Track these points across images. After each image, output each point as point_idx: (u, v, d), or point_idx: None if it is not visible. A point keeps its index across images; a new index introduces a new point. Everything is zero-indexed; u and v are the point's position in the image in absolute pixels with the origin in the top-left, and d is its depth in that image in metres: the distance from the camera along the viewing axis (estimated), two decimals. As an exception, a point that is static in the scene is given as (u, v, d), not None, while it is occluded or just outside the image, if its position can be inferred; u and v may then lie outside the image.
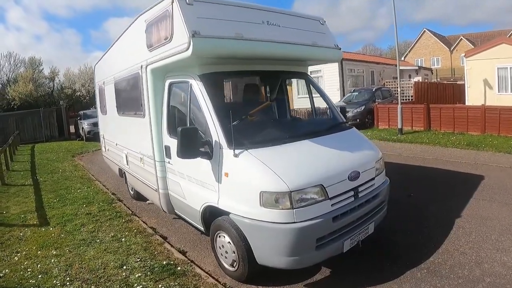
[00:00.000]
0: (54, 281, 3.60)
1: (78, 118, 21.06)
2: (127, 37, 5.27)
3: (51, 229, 5.21)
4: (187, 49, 3.21)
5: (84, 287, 3.43)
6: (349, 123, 14.53)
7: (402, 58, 43.04)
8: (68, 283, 3.53)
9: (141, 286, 3.34)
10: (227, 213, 3.34)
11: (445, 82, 23.76)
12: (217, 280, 3.54)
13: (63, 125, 21.07)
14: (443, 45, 43.15)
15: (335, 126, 4.30)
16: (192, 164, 3.68)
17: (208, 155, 3.45)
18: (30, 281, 3.64)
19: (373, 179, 3.75)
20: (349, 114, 14.48)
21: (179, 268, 3.70)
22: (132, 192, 6.80)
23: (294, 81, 21.24)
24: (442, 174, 7.21)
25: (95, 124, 19.00)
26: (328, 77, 19.58)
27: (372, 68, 21.62)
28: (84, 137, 18.13)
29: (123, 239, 4.59)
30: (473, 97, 13.80)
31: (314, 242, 3.09)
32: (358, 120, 14.37)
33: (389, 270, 3.56)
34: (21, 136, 18.74)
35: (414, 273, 3.49)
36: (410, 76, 23.75)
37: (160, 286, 3.33)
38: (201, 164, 3.56)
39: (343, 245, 3.31)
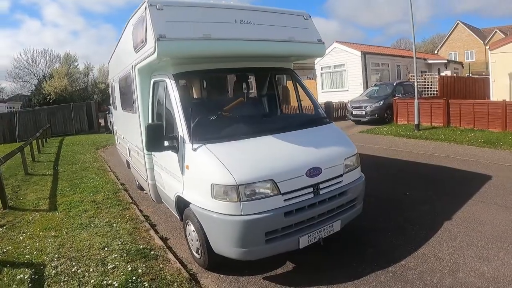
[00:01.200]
0: (45, 257, 4.14)
1: (107, 112, 22.23)
2: (123, 38, 5.73)
3: (57, 214, 5.84)
4: (154, 52, 3.54)
5: (68, 263, 3.93)
6: (367, 118, 14.17)
7: (436, 52, 41.28)
8: (55, 259, 4.06)
9: (113, 265, 3.77)
10: (189, 203, 3.66)
11: (476, 76, 22.61)
12: (184, 265, 3.88)
13: (92, 118, 22.43)
14: (477, 38, 40.78)
15: (310, 122, 4.39)
16: (167, 157, 4.05)
17: (175, 149, 3.79)
18: (26, 256, 4.22)
19: (340, 176, 3.76)
20: (368, 109, 14.37)
21: (152, 252, 4.09)
22: (137, 183, 7.32)
23: (318, 76, 21.20)
24: (447, 172, 7.06)
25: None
26: (351, 71, 19.40)
27: (398, 62, 21.03)
28: (111, 130, 19.18)
29: (114, 224, 5.08)
30: (498, 92, 13.16)
31: (263, 235, 3.23)
32: (376, 115, 14.20)
33: (353, 270, 3.56)
34: (52, 129, 20.26)
35: (377, 276, 3.43)
36: (439, 70, 22.88)
37: (128, 266, 3.74)
38: (172, 157, 3.91)
39: (299, 241, 3.38)
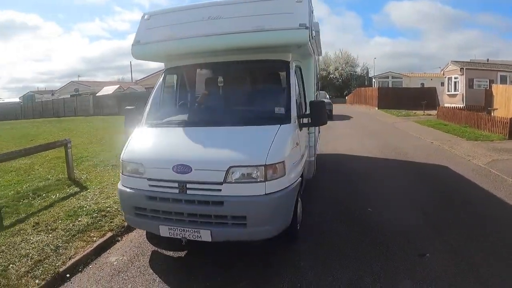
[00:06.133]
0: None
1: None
2: None
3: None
4: None
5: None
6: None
7: None
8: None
9: (81, 212, 5.40)
10: None
11: None
12: (122, 221, 4.99)
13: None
14: None
15: (251, 120, 4.23)
16: None
17: None
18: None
19: (218, 183, 3.58)
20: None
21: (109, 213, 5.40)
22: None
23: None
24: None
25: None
26: None
27: None
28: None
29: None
30: None
31: (132, 208, 3.93)
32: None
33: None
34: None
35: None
36: None
37: (85, 217, 5.20)
38: None
39: (158, 228, 3.77)
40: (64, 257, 4.04)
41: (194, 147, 3.92)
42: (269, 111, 4.38)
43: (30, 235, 4.59)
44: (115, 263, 4.09)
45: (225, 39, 4.29)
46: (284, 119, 4.12)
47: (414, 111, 23.17)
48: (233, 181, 3.57)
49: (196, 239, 3.65)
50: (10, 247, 4.28)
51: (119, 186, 4.14)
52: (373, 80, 43.20)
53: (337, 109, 27.89)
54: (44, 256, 4.04)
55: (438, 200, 5.81)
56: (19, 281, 3.57)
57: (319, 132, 8.88)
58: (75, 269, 3.92)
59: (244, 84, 5.27)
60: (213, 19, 4.43)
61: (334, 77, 49.00)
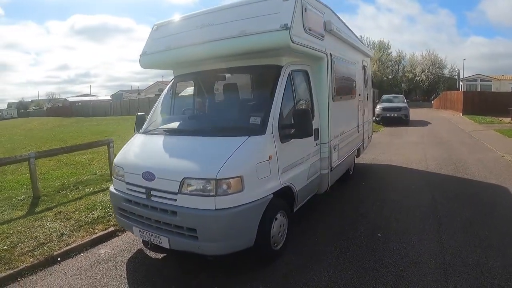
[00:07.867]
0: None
1: (377, 101, 23.35)
2: None
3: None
4: None
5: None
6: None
7: None
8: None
9: (99, 206, 6.21)
10: None
11: None
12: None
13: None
14: None
15: (222, 130, 4.27)
16: None
17: None
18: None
19: (174, 193, 3.73)
20: None
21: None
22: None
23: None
24: None
25: (387, 109, 20.74)
26: None
27: None
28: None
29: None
30: None
31: (116, 208, 4.42)
32: None
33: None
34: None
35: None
36: None
37: (99, 211, 5.93)
38: None
39: (132, 228, 4.17)
40: (63, 244, 4.79)
41: (162, 155, 4.24)
42: (244, 120, 4.35)
43: (48, 221, 5.52)
44: (102, 255, 4.68)
45: (212, 46, 4.46)
46: (257, 130, 4.01)
47: (500, 118, 20.71)
48: (188, 193, 3.68)
49: (158, 244, 3.92)
50: (27, 229, 5.24)
51: (110, 187, 4.67)
52: (461, 83, 39.29)
53: (419, 114, 26.07)
54: (48, 240, 4.87)
55: (474, 237, 4.67)
56: (19, 258, 4.41)
57: (362, 141, 8.38)
58: (67, 255, 4.60)
59: (233, 92, 5.33)
60: (206, 27, 4.60)
61: (420, 79, 45.66)
